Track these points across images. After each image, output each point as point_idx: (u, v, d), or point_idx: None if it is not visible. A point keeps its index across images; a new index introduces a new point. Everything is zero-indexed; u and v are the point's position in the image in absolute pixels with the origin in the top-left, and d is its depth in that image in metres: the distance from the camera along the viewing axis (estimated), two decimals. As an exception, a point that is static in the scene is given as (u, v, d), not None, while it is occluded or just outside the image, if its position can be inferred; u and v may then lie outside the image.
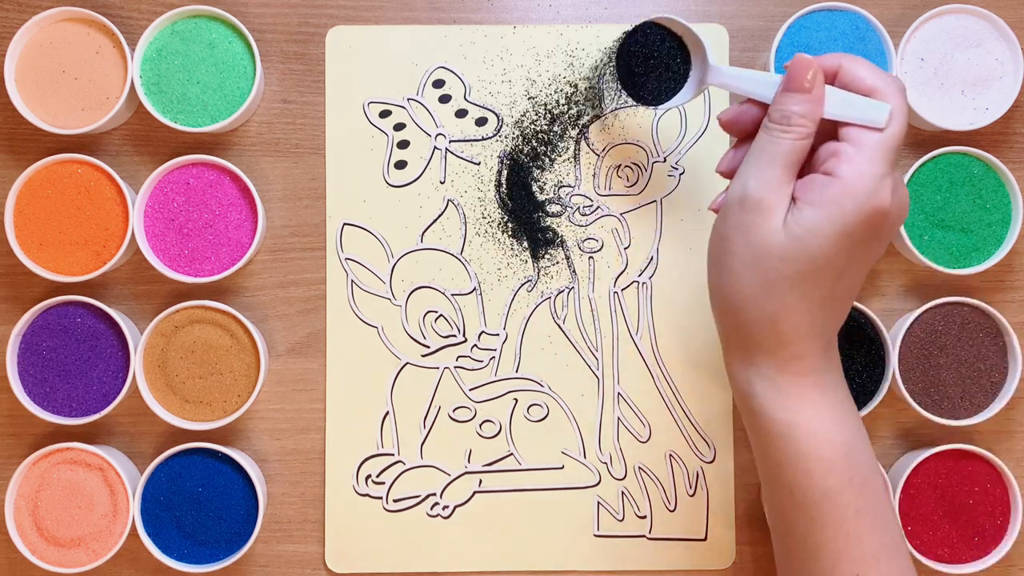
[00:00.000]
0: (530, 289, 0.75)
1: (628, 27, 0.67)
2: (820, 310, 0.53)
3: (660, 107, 0.67)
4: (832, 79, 0.54)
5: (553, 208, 0.75)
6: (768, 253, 0.52)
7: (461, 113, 0.75)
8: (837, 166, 0.51)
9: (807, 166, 0.55)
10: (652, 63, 0.66)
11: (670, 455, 0.74)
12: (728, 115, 0.59)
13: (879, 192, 0.51)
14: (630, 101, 0.67)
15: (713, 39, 0.75)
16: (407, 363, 0.75)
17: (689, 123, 0.75)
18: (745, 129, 0.58)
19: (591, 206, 0.75)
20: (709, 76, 0.63)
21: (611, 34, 0.75)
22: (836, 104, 0.53)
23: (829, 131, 0.54)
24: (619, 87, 0.67)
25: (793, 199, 0.52)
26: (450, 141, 0.75)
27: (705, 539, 0.74)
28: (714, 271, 0.55)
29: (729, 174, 0.59)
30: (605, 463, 0.74)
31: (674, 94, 0.66)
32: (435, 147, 0.75)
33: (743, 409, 0.57)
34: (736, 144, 0.60)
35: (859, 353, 0.72)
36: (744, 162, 0.54)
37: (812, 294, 0.52)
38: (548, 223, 0.74)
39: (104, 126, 0.73)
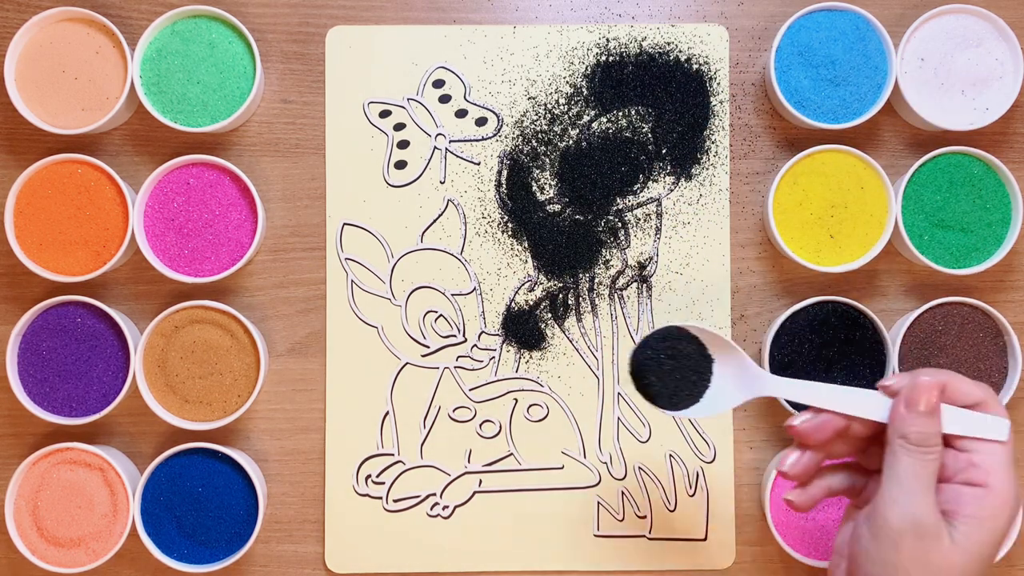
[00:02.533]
0: (530, 289, 0.75)
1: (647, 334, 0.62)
2: None
3: (681, 413, 0.61)
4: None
5: (553, 207, 0.75)
6: (950, 572, 0.53)
7: (461, 113, 0.75)
8: (985, 477, 0.53)
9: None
10: (667, 368, 0.61)
11: (670, 455, 0.74)
12: (808, 425, 0.57)
13: (1019, 493, 0.54)
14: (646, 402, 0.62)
15: (713, 39, 0.75)
16: (407, 363, 0.75)
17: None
18: (825, 439, 0.57)
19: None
20: (767, 388, 0.59)
21: (611, 34, 0.75)
22: (955, 421, 0.54)
23: None
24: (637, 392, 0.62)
25: (943, 512, 0.54)
26: (450, 141, 0.75)
27: (705, 539, 0.74)
28: None
29: (798, 478, 0.58)
30: (605, 463, 0.74)
31: (694, 399, 0.61)
32: (435, 147, 0.75)
33: None
34: (800, 446, 0.58)
35: (859, 353, 0.72)
36: (893, 486, 0.54)
37: None
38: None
39: (104, 126, 0.73)
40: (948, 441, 0.54)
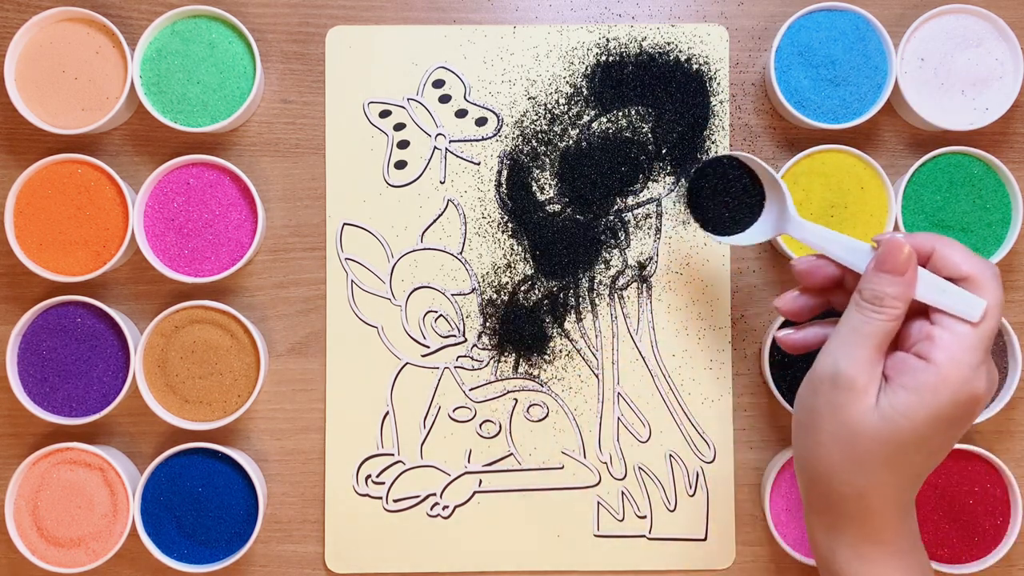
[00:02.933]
0: (530, 289, 0.75)
1: (708, 157, 0.67)
2: (908, 486, 0.54)
3: (725, 239, 0.66)
4: (925, 261, 0.54)
5: (553, 207, 0.75)
6: (861, 432, 0.52)
7: (461, 113, 0.75)
8: (932, 351, 0.51)
9: (895, 339, 0.55)
10: (723, 195, 0.66)
11: (670, 455, 0.74)
12: (803, 265, 0.58)
13: (974, 381, 0.51)
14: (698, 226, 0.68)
15: (713, 39, 0.75)
16: (407, 363, 0.75)
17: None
18: (817, 284, 0.58)
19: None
20: (789, 227, 0.62)
21: (611, 34, 0.75)
22: (930, 289, 0.53)
23: (918, 305, 0.54)
24: (688, 212, 0.68)
25: (885, 377, 0.53)
26: (450, 141, 0.75)
27: (705, 539, 0.74)
28: (801, 440, 0.56)
29: (788, 313, 0.59)
30: (605, 463, 0.74)
31: (741, 228, 0.66)
32: (435, 147, 0.75)
33: (823, 571, 0.58)
34: (802, 289, 0.60)
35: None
36: (834, 336, 0.54)
37: (902, 472, 0.53)
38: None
39: (104, 126, 0.73)
40: (926, 310, 0.53)
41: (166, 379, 0.72)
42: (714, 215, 0.67)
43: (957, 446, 0.71)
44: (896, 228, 0.72)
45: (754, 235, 0.65)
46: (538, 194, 0.75)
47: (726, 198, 0.66)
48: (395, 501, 0.74)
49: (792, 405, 0.72)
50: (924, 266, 0.54)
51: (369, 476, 0.74)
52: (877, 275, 0.53)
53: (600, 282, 0.75)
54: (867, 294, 0.53)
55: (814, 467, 0.54)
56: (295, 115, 0.76)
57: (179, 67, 0.73)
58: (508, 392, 0.75)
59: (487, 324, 0.74)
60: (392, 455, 0.74)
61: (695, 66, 0.75)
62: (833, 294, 0.59)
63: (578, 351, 0.75)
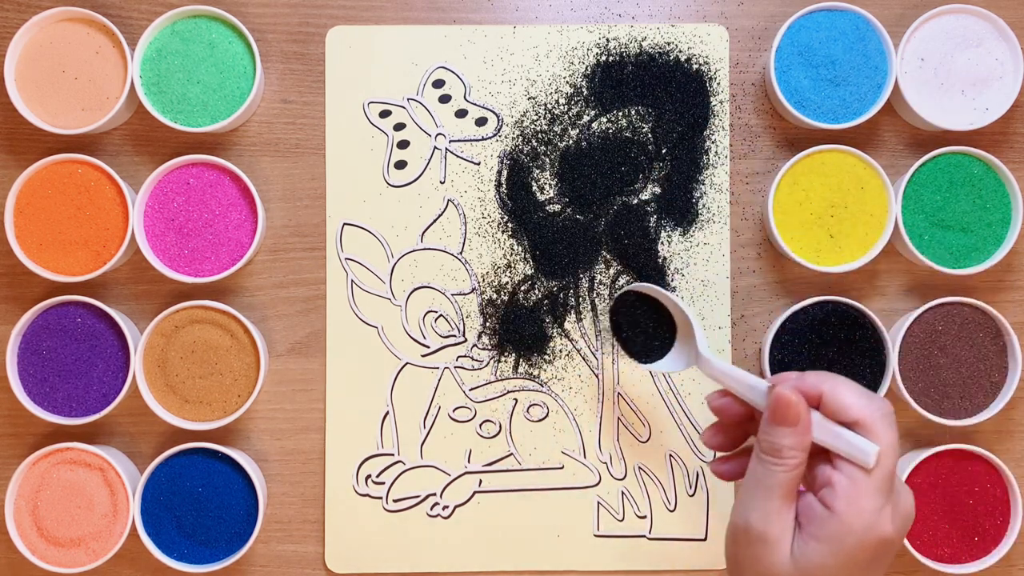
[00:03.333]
0: (530, 289, 0.75)
1: (625, 287, 0.72)
2: None
3: (644, 366, 0.70)
4: (817, 403, 0.54)
5: (553, 207, 0.75)
6: None
7: (461, 113, 0.75)
8: (833, 499, 0.51)
9: (807, 478, 0.55)
10: (640, 325, 0.71)
11: (670, 455, 0.74)
12: (716, 403, 0.59)
13: (878, 524, 0.51)
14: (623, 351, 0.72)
15: (713, 39, 0.75)
16: (407, 363, 0.75)
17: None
18: (732, 419, 0.59)
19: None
20: (699, 363, 0.64)
21: (611, 34, 0.75)
22: (825, 433, 0.52)
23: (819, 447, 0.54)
24: (612, 338, 0.73)
25: (798, 523, 0.53)
26: (450, 141, 0.75)
27: (705, 539, 0.74)
28: None
29: (715, 448, 0.60)
30: (605, 463, 0.74)
31: (660, 356, 0.70)
32: (435, 147, 0.75)
33: None
34: (720, 425, 0.60)
35: (859, 353, 0.72)
36: (743, 489, 0.54)
37: None
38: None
39: (104, 126, 0.73)
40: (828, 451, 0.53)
41: (166, 379, 0.72)
42: (635, 343, 0.71)
43: (957, 446, 0.71)
44: (896, 228, 0.72)
45: (669, 364, 0.69)
46: (538, 194, 0.75)
47: (639, 329, 0.71)
48: (395, 501, 0.74)
49: None
50: (817, 408, 0.53)
51: (369, 476, 0.74)
52: (772, 427, 0.53)
53: (600, 282, 0.75)
54: (764, 446, 0.53)
55: None
56: (295, 115, 0.76)
57: (179, 67, 0.73)
58: (508, 392, 0.75)
59: (487, 324, 0.74)
60: (392, 455, 0.74)
61: (695, 66, 0.75)
62: (751, 426, 0.59)
63: (578, 351, 0.75)
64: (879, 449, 0.51)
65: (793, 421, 0.52)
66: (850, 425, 0.52)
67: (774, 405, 0.53)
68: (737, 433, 0.59)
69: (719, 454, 0.60)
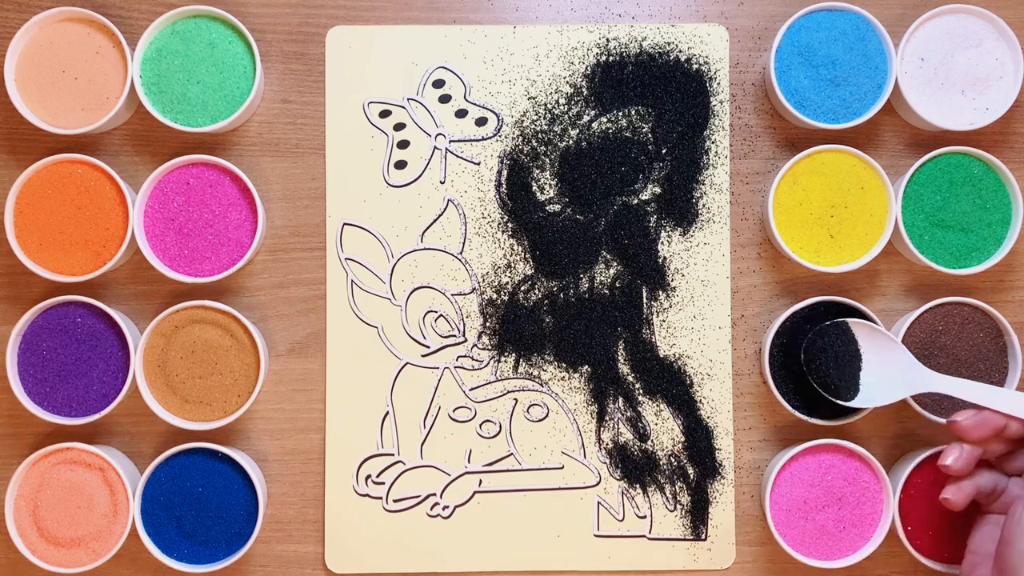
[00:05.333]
0: (530, 289, 0.75)
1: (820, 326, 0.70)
2: None
3: (853, 403, 0.68)
4: None
5: (553, 207, 0.75)
6: None
7: (461, 113, 0.75)
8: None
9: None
10: (828, 359, 0.69)
11: (670, 455, 0.74)
12: (971, 422, 0.57)
13: None
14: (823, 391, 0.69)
15: (713, 39, 0.75)
16: (407, 363, 0.75)
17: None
18: (985, 436, 0.57)
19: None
20: (923, 383, 0.62)
21: (611, 34, 0.75)
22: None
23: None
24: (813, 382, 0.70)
25: None
26: (450, 141, 0.75)
27: (705, 539, 0.74)
28: None
29: (960, 472, 0.58)
30: (605, 463, 0.74)
31: (851, 386, 0.68)
32: (435, 147, 0.75)
33: None
34: (960, 441, 0.59)
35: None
36: (1018, 526, 0.53)
37: None
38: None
39: (104, 126, 0.73)
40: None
41: (166, 379, 0.72)
42: (828, 381, 0.69)
43: (957, 446, 0.71)
44: (896, 228, 0.72)
45: (875, 398, 0.67)
46: (538, 194, 0.75)
47: (828, 364, 0.69)
48: (395, 501, 0.74)
49: (792, 405, 0.72)
50: None
51: (369, 476, 0.74)
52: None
53: (600, 282, 0.75)
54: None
55: None
56: (295, 115, 0.76)
57: (179, 67, 0.73)
58: (508, 392, 0.75)
59: (487, 324, 0.75)
60: (392, 455, 0.74)
61: (695, 66, 0.75)
62: (990, 444, 0.58)
63: (578, 351, 0.75)
64: None
65: None
66: None
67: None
68: (976, 454, 0.57)
69: (951, 482, 0.58)
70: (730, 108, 0.76)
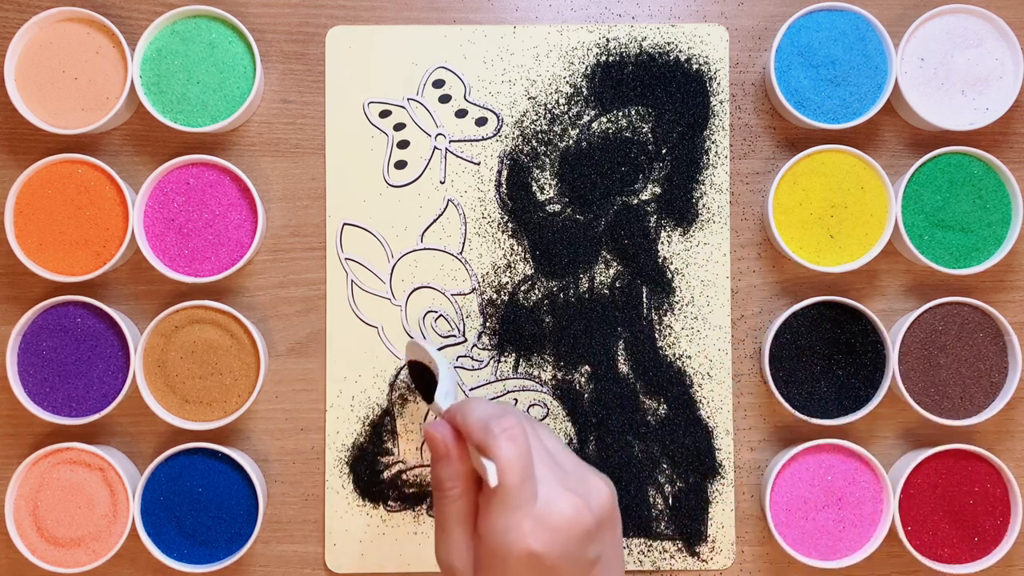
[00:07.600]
0: (530, 289, 0.75)
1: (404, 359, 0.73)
2: None
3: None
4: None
5: (553, 207, 0.75)
6: None
7: (461, 113, 0.75)
8: (478, 525, 0.52)
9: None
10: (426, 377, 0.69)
11: (671, 455, 0.74)
12: (431, 432, 0.58)
13: (517, 541, 0.50)
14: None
15: (713, 39, 0.75)
16: (407, 362, 0.75)
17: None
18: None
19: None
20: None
21: (611, 34, 0.75)
22: (474, 459, 0.53)
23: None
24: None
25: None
26: (450, 141, 0.75)
27: (705, 539, 0.74)
28: None
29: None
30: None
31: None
32: (435, 147, 0.75)
33: None
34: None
35: (859, 353, 0.72)
36: (436, 528, 0.55)
37: None
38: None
39: (104, 126, 0.73)
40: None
41: (166, 379, 0.72)
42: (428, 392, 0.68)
43: (957, 446, 0.71)
44: (896, 228, 0.72)
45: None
46: (538, 194, 0.75)
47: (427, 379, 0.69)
48: (395, 501, 0.74)
49: (792, 405, 0.72)
50: None
51: (369, 476, 0.74)
52: (433, 463, 0.55)
53: (600, 282, 0.75)
54: (433, 482, 0.55)
55: None
56: (295, 115, 0.76)
57: (179, 67, 0.73)
58: (508, 392, 0.75)
59: (487, 324, 0.75)
60: (392, 455, 0.74)
61: (695, 66, 0.75)
62: None
63: (578, 351, 0.74)
64: (494, 468, 0.51)
65: (442, 453, 0.54)
66: (478, 448, 0.52)
67: (427, 441, 0.54)
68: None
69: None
70: (730, 108, 0.76)
